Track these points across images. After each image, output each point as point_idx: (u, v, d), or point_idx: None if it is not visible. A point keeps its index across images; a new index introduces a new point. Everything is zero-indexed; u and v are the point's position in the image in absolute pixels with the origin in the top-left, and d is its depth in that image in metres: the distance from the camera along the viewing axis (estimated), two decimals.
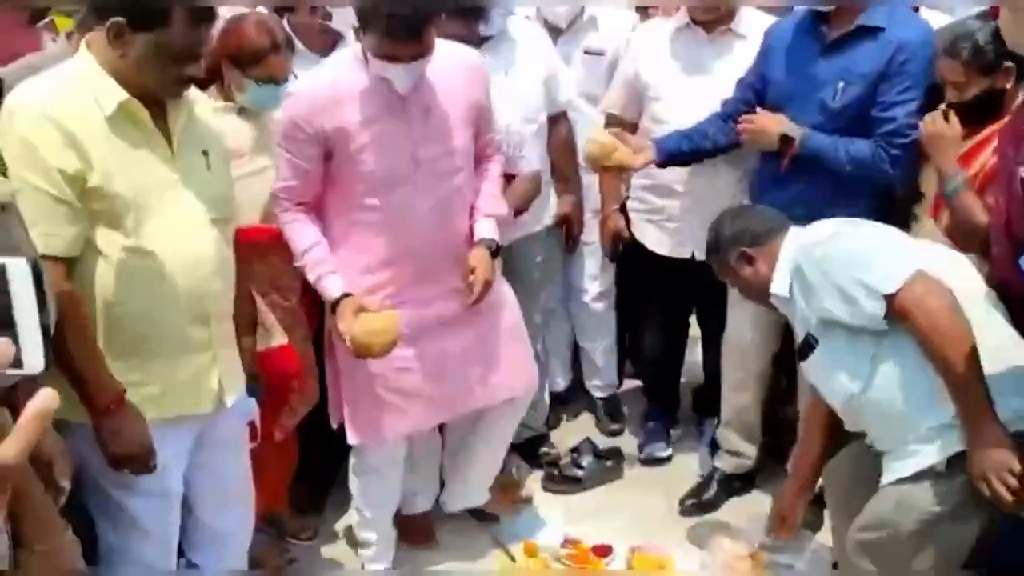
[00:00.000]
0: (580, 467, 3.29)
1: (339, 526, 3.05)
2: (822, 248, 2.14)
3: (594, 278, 3.48)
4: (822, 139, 2.66)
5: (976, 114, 2.37)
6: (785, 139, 2.69)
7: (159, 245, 1.84)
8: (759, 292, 2.31)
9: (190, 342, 1.94)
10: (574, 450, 3.35)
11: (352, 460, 2.72)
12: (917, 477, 2.02)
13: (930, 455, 2.00)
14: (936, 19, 2.89)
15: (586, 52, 3.26)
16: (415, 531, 2.95)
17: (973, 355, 1.90)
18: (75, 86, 1.77)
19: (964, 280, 2.10)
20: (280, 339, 2.55)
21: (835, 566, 2.56)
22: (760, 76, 2.83)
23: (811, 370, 2.24)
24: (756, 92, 2.82)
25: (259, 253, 2.42)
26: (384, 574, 2.81)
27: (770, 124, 2.73)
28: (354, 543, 2.87)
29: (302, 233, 2.38)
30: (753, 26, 2.96)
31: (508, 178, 2.87)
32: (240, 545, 2.29)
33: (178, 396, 1.94)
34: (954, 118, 2.36)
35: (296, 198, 2.38)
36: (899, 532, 2.04)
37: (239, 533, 2.28)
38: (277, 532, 2.94)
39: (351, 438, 2.57)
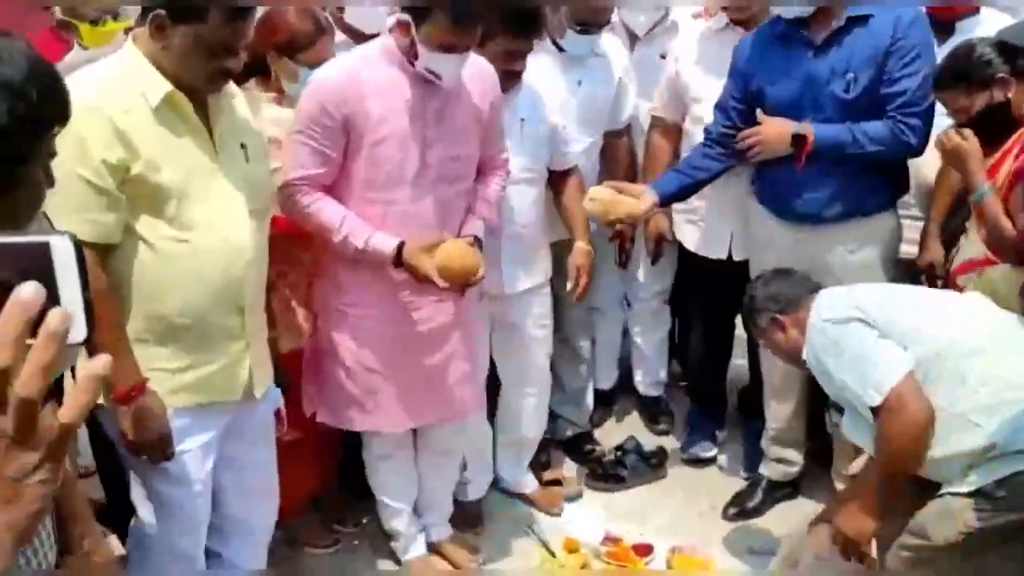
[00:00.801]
0: (624, 465, 3.29)
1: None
2: (831, 334, 2.22)
3: (653, 275, 3.46)
4: (834, 129, 2.63)
5: (991, 131, 2.36)
6: (797, 138, 2.65)
7: (200, 233, 1.89)
8: (792, 356, 2.39)
9: (225, 330, 1.98)
10: (618, 448, 3.35)
11: (364, 451, 2.73)
12: (967, 494, 2.05)
13: (978, 479, 2.04)
14: (1001, 21, 2.84)
15: (662, 56, 3.24)
16: (465, 518, 3.00)
17: (909, 471, 2.10)
18: (122, 79, 1.85)
19: (983, 319, 2.20)
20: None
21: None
22: (742, 95, 2.78)
23: (846, 432, 2.34)
24: (740, 113, 2.78)
25: (303, 242, 2.46)
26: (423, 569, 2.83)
27: (779, 128, 2.68)
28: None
29: (330, 210, 2.30)
30: None
31: (556, 176, 2.89)
32: (263, 536, 2.32)
33: (211, 383, 2.00)
34: (969, 132, 2.35)
35: (315, 185, 2.30)
36: (936, 542, 2.06)
37: (263, 525, 2.31)
38: (323, 517, 3.01)
39: (320, 416, 2.55)
